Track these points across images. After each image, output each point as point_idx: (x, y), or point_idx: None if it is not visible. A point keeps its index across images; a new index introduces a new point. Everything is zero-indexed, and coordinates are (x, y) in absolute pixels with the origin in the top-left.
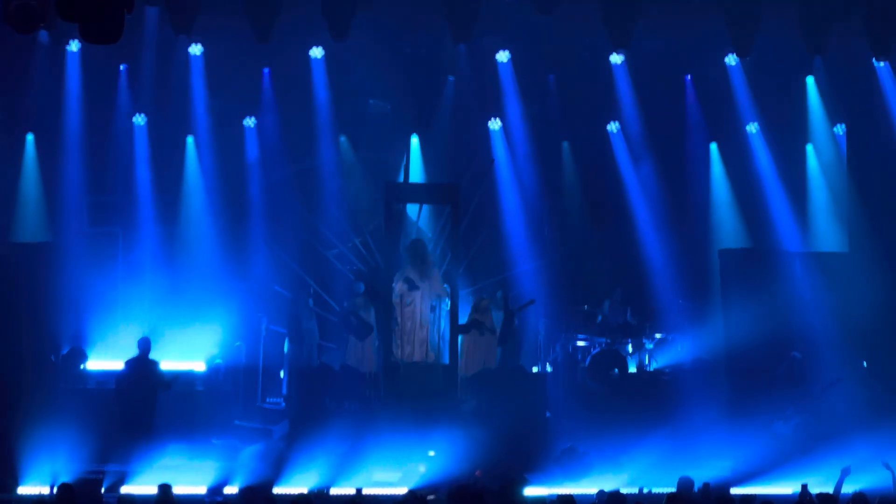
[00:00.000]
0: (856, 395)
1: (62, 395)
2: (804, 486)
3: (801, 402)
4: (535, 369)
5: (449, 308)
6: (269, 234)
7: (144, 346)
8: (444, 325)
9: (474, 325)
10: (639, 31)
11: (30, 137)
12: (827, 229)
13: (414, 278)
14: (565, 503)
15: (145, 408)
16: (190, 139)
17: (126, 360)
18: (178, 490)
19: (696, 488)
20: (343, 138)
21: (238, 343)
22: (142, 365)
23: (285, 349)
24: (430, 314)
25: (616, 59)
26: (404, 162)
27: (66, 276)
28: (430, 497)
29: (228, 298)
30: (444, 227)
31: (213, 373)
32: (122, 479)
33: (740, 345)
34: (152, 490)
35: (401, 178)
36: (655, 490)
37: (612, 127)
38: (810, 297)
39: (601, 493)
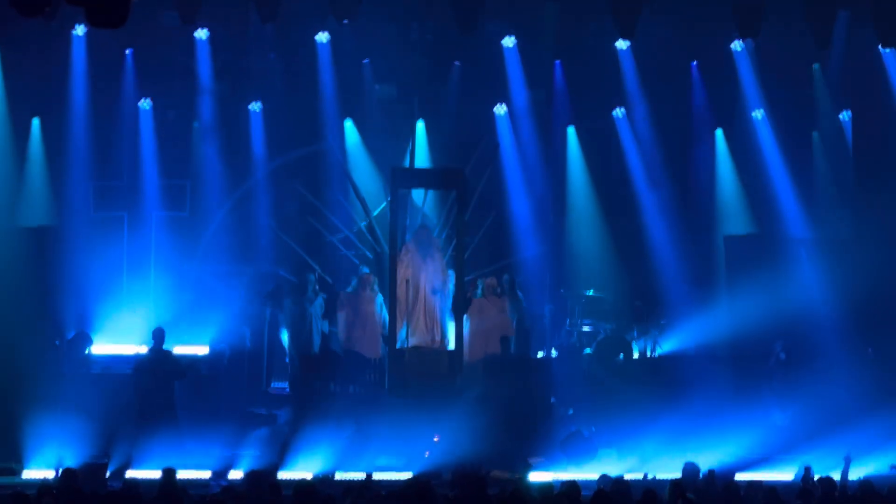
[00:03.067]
0: (860, 380)
1: (67, 380)
2: (807, 469)
3: (795, 392)
4: (539, 354)
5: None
6: (275, 218)
7: (159, 336)
8: (448, 309)
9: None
10: (645, 17)
11: (35, 121)
12: (832, 216)
13: (416, 262)
14: (570, 489)
15: (164, 398)
16: (195, 124)
17: (141, 352)
18: (182, 475)
19: (700, 475)
20: (348, 123)
21: (243, 328)
22: (157, 356)
23: (284, 335)
24: (433, 297)
25: (622, 44)
26: (410, 147)
27: (72, 260)
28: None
29: (233, 283)
30: (449, 213)
31: (218, 358)
32: (126, 465)
33: (745, 331)
34: (157, 475)
35: (406, 163)
36: (659, 476)
37: (618, 112)
38: (815, 284)
39: (603, 477)
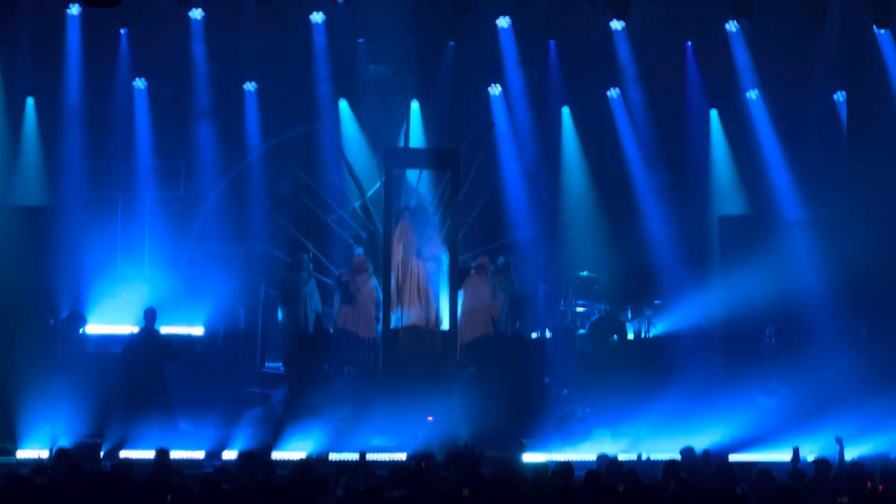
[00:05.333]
0: (853, 361)
1: (61, 359)
2: (796, 450)
3: (786, 374)
4: (533, 335)
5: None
6: (269, 198)
7: (150, 316)
8: (443, 289)
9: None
10: None
11: (30, 101)
12: (826, 196)
13: (411, 241)
14: (564, 469)
15: (155, 378)
16: (190, 103)
17: (132, 332)
18: (175, 455)
19: (695, 455)
20: (343, 103)
21: (237, 307)
22: (148, 336)
23: (279, 315)
24: (428, 276)
25: (616, 24)
26: (404, 127)
27: (66, 239)
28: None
29: (228, 263)
30: (443, 193)
31: (212, 338)
32: (120, 445)
33: (738, 311)
34: (150, 455)
35: (401, 144)
36: (654, 456)
37: (613, 93)
38: (809, 264)
39: (602, 457)
